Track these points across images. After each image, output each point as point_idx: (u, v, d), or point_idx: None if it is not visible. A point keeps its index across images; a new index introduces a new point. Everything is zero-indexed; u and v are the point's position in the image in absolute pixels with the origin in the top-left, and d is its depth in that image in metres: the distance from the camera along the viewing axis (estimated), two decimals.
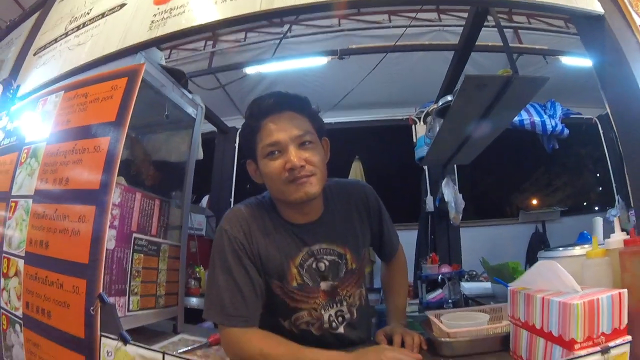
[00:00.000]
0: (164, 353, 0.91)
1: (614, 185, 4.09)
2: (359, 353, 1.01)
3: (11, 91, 1.82)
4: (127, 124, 1.27)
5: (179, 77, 1.68)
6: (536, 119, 3.46)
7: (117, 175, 1.24)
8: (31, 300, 1.33)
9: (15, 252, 1.42)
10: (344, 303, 1.24)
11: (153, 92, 1.53)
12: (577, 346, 0.85)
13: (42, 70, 1.81)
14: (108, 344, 1.03)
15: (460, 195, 3.24)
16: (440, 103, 2.05)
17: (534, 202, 5.22)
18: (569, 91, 3.43)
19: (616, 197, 3.83)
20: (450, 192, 3.18)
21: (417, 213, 4.15)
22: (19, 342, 1.35)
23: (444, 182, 3.25)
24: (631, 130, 1.10)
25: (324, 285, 1.20)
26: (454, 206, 3.17)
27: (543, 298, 0.95)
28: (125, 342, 0.99)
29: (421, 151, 2.88)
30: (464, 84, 1.63)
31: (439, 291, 2.94)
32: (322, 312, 1.21)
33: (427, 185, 4.08)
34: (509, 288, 1.12)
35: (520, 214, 4.65)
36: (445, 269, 3.03)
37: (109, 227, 1.21)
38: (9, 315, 1.40)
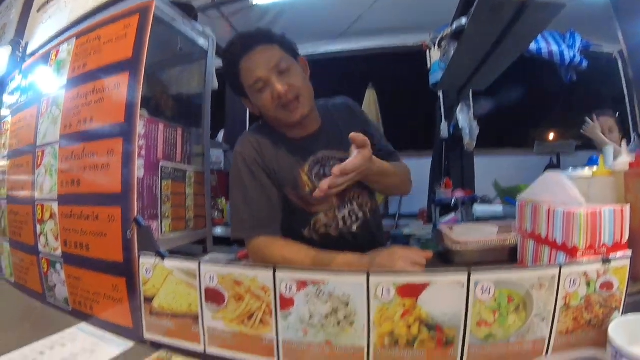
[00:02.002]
0: (199, 262, 1.00)
1: (630, 123, 3.94)
2: (374, 253, 1.13)
3: (20, 50, 1.80)
4: (144, 59, 1.27)
5: (188, 11, 1.67)
6: (554, 48, 3.28)
7: (140, 108, 1.27)
8: (69, 238, 1.38)
9: (48, 197, 1.47)
10: (354, 203, 1.36)
11: (164, 27, 1.53)
12: (579, 253, 0.90)
13: (49, 24, 1.76)
14: (146, 263, 1.08)
15: (475, 122, 3.18)
16: (454, 27, 1.99)
17: (550, 134, 5.09)
18: (589, 23, 3.21)
19: (632, 135, 3.73)
20: (465, 118, 3.14)
21: (431, 140, 4.11)
22: (60, 281, 1.42)
23: (458, 108, 3.19)
24: None
25: None
26: (468, 132, 3.14)
27: (549, 209, 1.01)
28: (162, 257, 1.06)
29: (436, 76, 2.81)
30: (478, 6, 1.58)
31: (452, 215, 3.02)
32: (337, 212, 1.33)
33: (441, 112, 3.99)
34: (517, 201, 1.17)
35: (535, 145, 4.55)
36: (459, 193, 3.08)
37: (137, 156, 1.26)
38: (49, 257, 1.46)
